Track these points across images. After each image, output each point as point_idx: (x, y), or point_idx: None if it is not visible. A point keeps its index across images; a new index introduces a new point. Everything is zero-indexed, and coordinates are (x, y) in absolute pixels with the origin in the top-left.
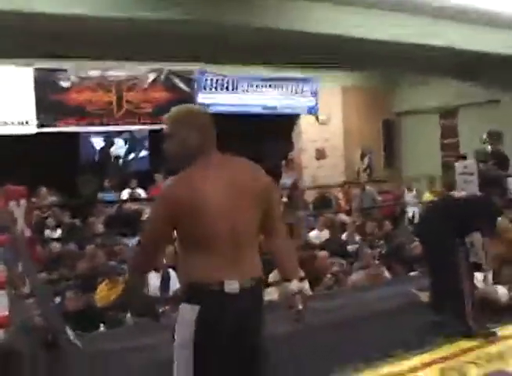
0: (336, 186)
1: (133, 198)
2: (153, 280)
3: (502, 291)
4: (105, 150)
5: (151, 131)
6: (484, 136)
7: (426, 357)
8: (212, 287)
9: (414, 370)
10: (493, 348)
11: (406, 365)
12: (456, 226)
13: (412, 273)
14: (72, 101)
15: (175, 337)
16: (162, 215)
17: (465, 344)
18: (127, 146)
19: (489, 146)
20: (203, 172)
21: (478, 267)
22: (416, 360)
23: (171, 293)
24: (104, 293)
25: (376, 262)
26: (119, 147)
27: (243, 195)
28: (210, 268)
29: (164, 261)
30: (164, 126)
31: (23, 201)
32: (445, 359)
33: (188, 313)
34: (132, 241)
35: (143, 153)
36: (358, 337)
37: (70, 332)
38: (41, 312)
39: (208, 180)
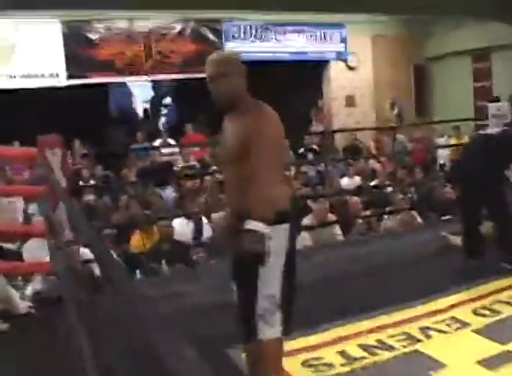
0: (367, 129)
1: (166, 146)
2: (185, 227)
3: None
4: (136, 102)
5: (180, 83)
6: None
7: (457, 298)
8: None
9: (444, 311)
10: None
11: (436, 306)
12: (495, 160)
13: (444, 218)
14: (101, 55)
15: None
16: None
17: (501, 283)
18: (157, 98)
19: None
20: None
21: None
22: (445, 302)
23: (204, 240)
24: (139, 242)
25: (408, 207)
26: (149, 99)
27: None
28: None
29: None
30: (208, 69)
31: (58, 150)
32: (478, 298)
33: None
34: (166, 191)
35: (172, 104)
36: (389, 284)
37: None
38: (94, 255)
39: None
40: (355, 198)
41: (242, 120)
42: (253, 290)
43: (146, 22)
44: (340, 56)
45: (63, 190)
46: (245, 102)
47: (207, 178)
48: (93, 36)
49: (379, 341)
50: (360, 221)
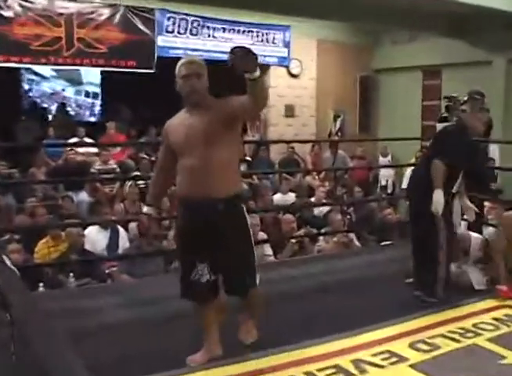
0: (306, 142)
1: (82, 145)
2: (99, 237)
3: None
4: (53, 92)
5: (104, 75)
6: (465, 98)
7: (393, 329)
8: None
9: (379, 343)
10: (467, 322)
11: (371, 338)
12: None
13: (384, 243)
14: (14, 35)
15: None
16: None
17: (440, 316)
18: (76, 89)
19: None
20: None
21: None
22: (380, 334)
23: (120, 252)
24: (44, 251)
25: (346, 229)
26: (67, 90)
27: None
28: None
29: (113, 217)
30: (185, 68)
31: None
32: (416, 331)
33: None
34: (79, 195)
35: (95, 98)
36: (320, 311)
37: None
38: None
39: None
40: (289, 216)
41: (211, 111)
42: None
43: (70, 3)
44: (282, 62)
45: None
46: (208, 98)
47: (128, 183)
48: (6, 13)
49: (308, 373)
50: (293, 241)
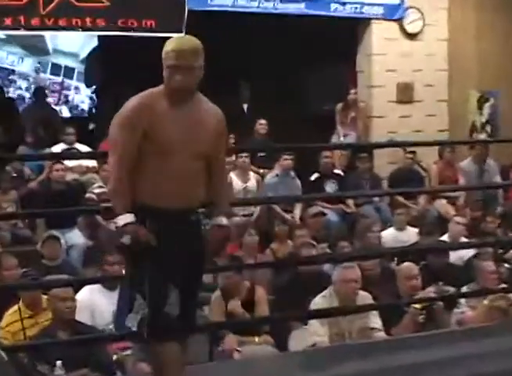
0: (434, 144)
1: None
2: (104, 304)
3: None
4: (27, 75)
5: (100, 44)
6: None
7: None
8: None
9: None
10: None
11: None
12: None
13: None
14: None
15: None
16: None
17: None
18: (62, 68)
19: None
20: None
21: None
22: None
23: None
24: (15, 326)
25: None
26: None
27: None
28: None
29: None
30: (183, 58)
31: None
32: None
33: None
34: (70, 236)
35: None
36: None
37: None
38: None
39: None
40: (408, 265)
41: (206, 111)
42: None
43: None
44: (392, 14)
45: None
46: (195, 93)
47: None
48: None
49: None
50: (415, 306)
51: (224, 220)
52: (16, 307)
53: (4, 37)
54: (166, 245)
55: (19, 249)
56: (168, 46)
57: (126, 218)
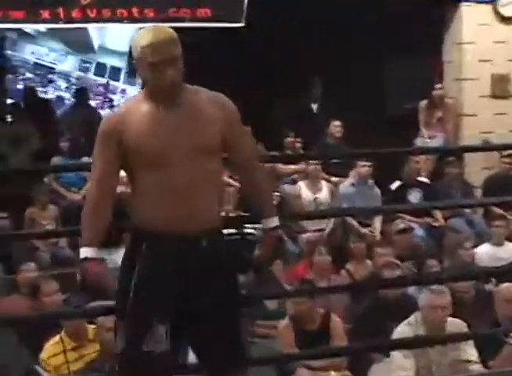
0: None
1: None
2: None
3: None
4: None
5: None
6: None
7: None
8: None
9: None
10: None
11: None
12: None
13: None
14: None
15: None
16: None
17: None
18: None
19: None
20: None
21: None
22: None
23: None
24: (58, 359)
25: None
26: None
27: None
28: None
29: None
30: (165, 50)
31: None
32: None
33: None
34: (116, 255)
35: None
36: None
37: None
38: None
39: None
40: (509, 286)
41: (197, 102)
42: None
43: None
44: None
45: None
46: (183, 87)
47: None
48: None
49: None
50: None
51: (274, 221)
52: (57, 338)
53: (45, 31)
54: (151, 274)
55: (60, 272)
56: (142, 41)
57: (87, 252)
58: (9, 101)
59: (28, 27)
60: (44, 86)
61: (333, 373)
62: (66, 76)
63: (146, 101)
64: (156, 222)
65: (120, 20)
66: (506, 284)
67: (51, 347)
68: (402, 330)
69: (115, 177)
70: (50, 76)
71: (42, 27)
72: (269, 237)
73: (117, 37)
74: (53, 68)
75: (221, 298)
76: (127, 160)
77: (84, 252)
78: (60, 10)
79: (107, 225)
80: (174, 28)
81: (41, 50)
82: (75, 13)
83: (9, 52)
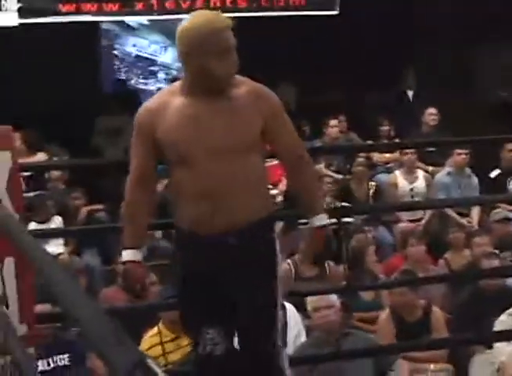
0: None
1: None
2: None
3: None
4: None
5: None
6: None
7: None
8: None
9: None
10: None
11: None
12: None
13: None
14: None
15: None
16: None
17: None
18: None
19: None
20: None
21: None
22: None
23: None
24: (156, 349)
25: None
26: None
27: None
28: None
29: None
30: (227, 37)
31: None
32: None
33: None
34: None
35: None
36: None
37: None
38: None
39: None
40: None
41: (235, 94)
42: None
43: None
44: None
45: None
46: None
47: None
48: None
49: None
50: None
51: (323, 218)
52: (155, 329)
53: (147, 23)
54: (195, 280)
55: (158, 263)
56: (203, 28)
57: (128, 255)
58: (104, 93)
59: (130, 20)
60: (145, 78)
61: (432, 365)
62: (166, 68)
63: (183, 94)
64: (186, 221)
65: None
66: None
67: (149, 338)
68: (504, 321)
69: (152, 172)
70: (151, 68)
71: (144, 20)
72: (318, 236)
73: None
74: (154, 60)
75: (255, 295)
76: (163, 154)
77: (125, 256)
78: (154, 1)
79: (147, 222)
80: (268, 17)
81: (142, 42)
82: (169, 4)
83: (111, 44)
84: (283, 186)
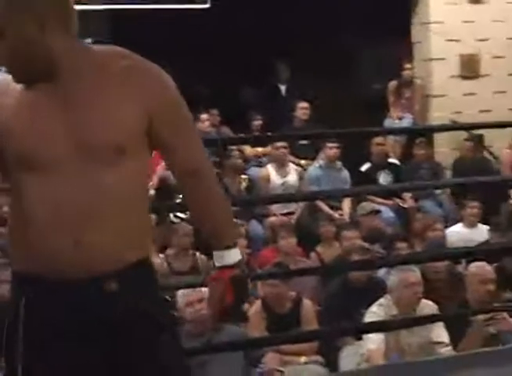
0: (500, 125)
1: None
2: None
3: None
4: None
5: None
6: None
7: None
8: None
9: None
10: None
11: None
12: None
13: None
14: None
15: None
16: None
17: None
18: None
19: None
20: None
21: None
22: None
23: None
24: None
25: None
26: None
27: None
28: None
29: None
30: None
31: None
32: None
33: None
34: None
35: None
36: None
37: None
38: None
39: None
40: (480, 266)
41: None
42: None
43: None
44: None
45: None
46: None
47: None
48: None
49: None
50: (487, 316)
51: (232, 254)
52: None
53: None
54: (46, 348)
55: None
56: None
57: None
58: None
59: None
60: None
61: (303, 358)
62: None
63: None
64: (33, 261)
65: None
66: (479, 263)
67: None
68: (373, 312)
69: None
70: None
71: None
72: (225, 280)
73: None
74: None
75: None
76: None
77: None
78: None
79: None
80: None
81: None
82: None
83: None
84: (155, 176)
